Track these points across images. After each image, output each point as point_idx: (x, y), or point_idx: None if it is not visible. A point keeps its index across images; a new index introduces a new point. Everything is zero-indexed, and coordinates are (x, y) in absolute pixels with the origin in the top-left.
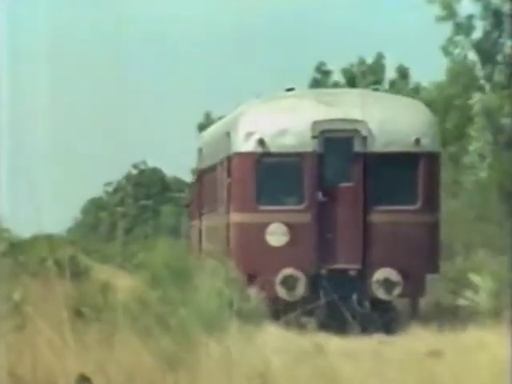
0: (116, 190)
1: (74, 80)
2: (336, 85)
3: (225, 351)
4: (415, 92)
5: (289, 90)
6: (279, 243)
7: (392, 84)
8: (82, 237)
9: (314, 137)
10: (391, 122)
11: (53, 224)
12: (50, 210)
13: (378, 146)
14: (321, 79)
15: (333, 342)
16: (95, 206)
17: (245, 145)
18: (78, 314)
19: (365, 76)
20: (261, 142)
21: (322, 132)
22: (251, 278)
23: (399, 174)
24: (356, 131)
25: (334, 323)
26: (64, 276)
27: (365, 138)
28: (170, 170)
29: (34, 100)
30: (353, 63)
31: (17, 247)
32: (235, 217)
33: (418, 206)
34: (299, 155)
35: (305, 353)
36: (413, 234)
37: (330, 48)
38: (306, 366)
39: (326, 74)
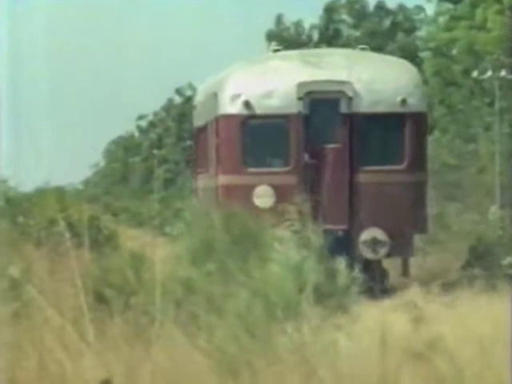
0: (152, 126)
1: None
2: None
3: (302, 348)
4: None
5: (275, 51)
6: (266, 205)
7: None
8: (104, 191)
9: (299, 98)
10: (377, 82)
11: (65, 173)
12: (60, 155)
13: (364, 106)
14: None
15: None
16: (123, 147)
17: (231, 107)
18: (99, 297)
19: None
20: (246, 103)
21: (308, 93)
22: None
23: (385, 135)
24: (342, 92)
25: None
26: (81, 245)
27: (351, 99)
28: None
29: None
30: None
31: (15, 204)
32: (222, 179)
33: (404, 165)
34: (285, 117)
35: (417, 350)
36: (399, 193)
37: None
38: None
39: None
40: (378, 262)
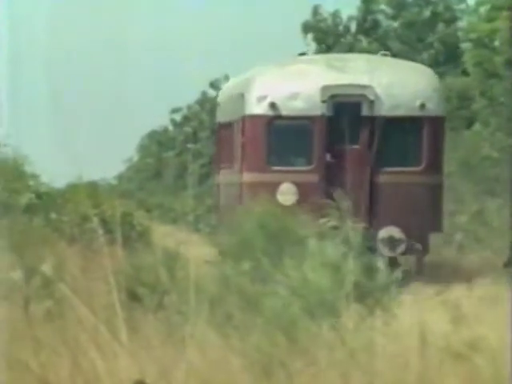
0: (186, 120)
1: None
2: None
3: (341, 348)
4: None
5: (301, 54)
6: (289, 202)
7: None
8: (138, 186)
9: (323, 101)
10: (397, 86)
11: (98, 168)
12: (93, 150)
13: (384, 110)
14: None
15: None
16: (157, 142)
17: (257, 107)
18: (132, 295)
19: None
20: (272, 105)
21: (331, 96)
22: None
23: (405, 137)
24: (364, 96)
25: None
26: (114, 241)
27: (372, 103)
28: None
29: None
30: None
31: (47, 200)
32: (247, 176)
33: (422, 167)
34: (309, 118)
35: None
36: (417, 194)
37: None
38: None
39: None
40: (395, 259)
